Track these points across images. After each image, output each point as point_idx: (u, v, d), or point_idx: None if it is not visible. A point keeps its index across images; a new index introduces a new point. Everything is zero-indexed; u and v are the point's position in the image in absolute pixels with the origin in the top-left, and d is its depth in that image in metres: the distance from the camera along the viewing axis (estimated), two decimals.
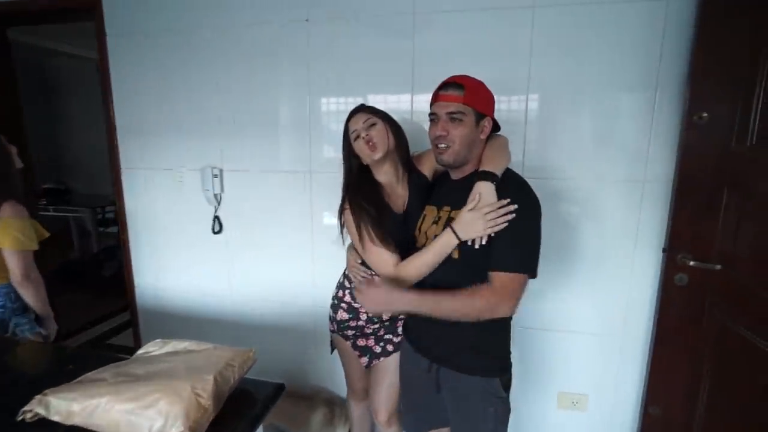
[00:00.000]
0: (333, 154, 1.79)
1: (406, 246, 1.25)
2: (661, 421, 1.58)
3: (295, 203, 1.88)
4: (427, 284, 1.17)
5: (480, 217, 1.07)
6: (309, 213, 1.86)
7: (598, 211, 1.58)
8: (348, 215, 1.30)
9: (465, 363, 1.17)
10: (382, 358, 1.49)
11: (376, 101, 1.67)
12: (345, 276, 1.53)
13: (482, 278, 1.08)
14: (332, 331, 1.56)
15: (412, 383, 1.35)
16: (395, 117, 1.34)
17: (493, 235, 1.06)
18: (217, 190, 1.91)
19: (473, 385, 1.17)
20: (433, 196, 1.27)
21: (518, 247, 1.07)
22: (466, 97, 1.08)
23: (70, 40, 4.37)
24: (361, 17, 1.66)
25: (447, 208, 1.17)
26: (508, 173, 1.15)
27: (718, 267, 1.42)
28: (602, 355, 1.67)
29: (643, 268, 1.58)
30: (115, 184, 2.10)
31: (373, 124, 1.29)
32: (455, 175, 1.20)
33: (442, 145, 1.11)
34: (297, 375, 1.99)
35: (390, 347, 1.49)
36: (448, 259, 1.12)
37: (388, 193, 1.34)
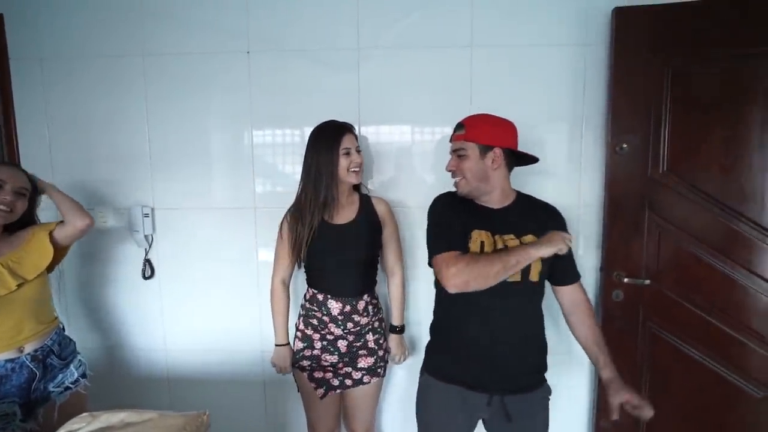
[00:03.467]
0: (278, 188, 1.72)
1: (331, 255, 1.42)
2: None
3: (238, 241, 1.75)
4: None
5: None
6: (254, 250, 1.75)
7: None
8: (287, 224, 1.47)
9: (530, 381, 1.25)
10: (349, 390, 1.50)
11: None
12: (301, 305, 1.54)
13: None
14: (292, 365, 1.52)
15: (450, 429, 1.27)
16: None
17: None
18: (148, 231, 1.73)
19: (534, 398, 1.25)
20: (482, 222, 1.21)
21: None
22: (467, 134, 1.21)
23: None
24: (305, 52, 1.65)
25: (511, 236, 1.18)
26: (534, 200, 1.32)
27: (647, 282, 1.56)
28: (554, 375, 1.72)
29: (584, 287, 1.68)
30: None
31: (359, 151, 1.46)
32: (494, 205, 1.24)
33: (456, 178, 1.25)
34: (250, 429, 1.80)
35: (348, 381, 1.48)
36: (524, 284, 1.18)
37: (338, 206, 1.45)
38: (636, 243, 1.56)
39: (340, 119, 1.63)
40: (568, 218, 1.66)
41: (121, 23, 1.69)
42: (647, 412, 1.13)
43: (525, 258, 1.09)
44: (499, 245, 1.17)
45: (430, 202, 1.31)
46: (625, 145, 1.53)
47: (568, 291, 1.26)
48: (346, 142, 1.41)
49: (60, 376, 1.31)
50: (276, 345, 1.51)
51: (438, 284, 1.26)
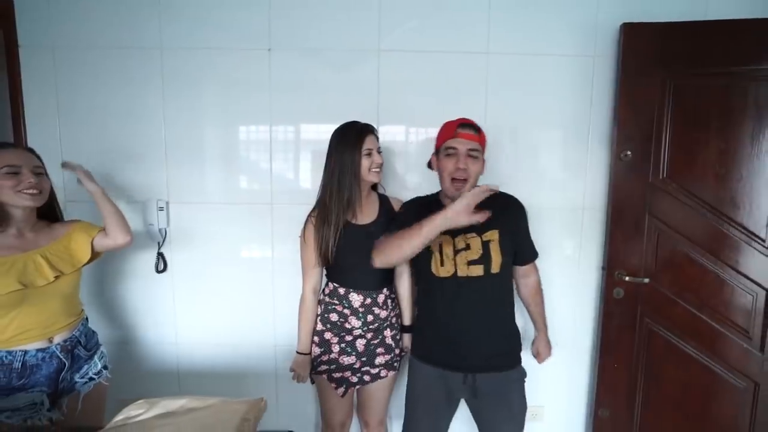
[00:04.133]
0: (294, 185, 1.75)
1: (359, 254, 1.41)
2: (609, 422, 1.76)
3: (254, 237, 1.77)
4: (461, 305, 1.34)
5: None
6: (269, 246, 1.77)
7: (545, 236, 1.74)
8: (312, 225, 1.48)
9: (501, 362, 1.36)
10: (367, 385, 1.54)
11: None
12: (320, 300, 1.55)
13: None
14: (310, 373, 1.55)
15: (430, 405, 1.42)
16: None
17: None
18: (163, 224, 1.72)
19: (506, 378, 1.36)
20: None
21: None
22: (480, 138, 1.33)
23: None
24: (326, 51, 1.68)
25: (473, 234, 1.31)
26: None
27: (647, 280, 1.67)
28: (555, 368, 1.83)
29: (586, 286, 1.79)
30: None
31: (380, 152, 1.49)
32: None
33: (458, 181, 1.30)
34: (262, 422, 1.81)
35: (367, 377, 1.53)
36: (486, 278, 1.32)
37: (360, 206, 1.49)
38: (636, 244, 1.67)
39: (359, 119, 1.67)
40: (572, 220, 1.77)
41: (138, 15, 1.67)
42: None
43: (433, 227, 1.17)
44: (461, 245, 1.32)
45: None
46: (628, 153, 1.64)
47: (519, 270, 1.48)
48: (368, 143, 1.44)
49: (85, 367, 1.32)
50: (298, 352, 1.52)
51: (415, 278, 1.53)
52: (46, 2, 1.67)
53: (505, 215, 1.34)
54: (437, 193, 1.46)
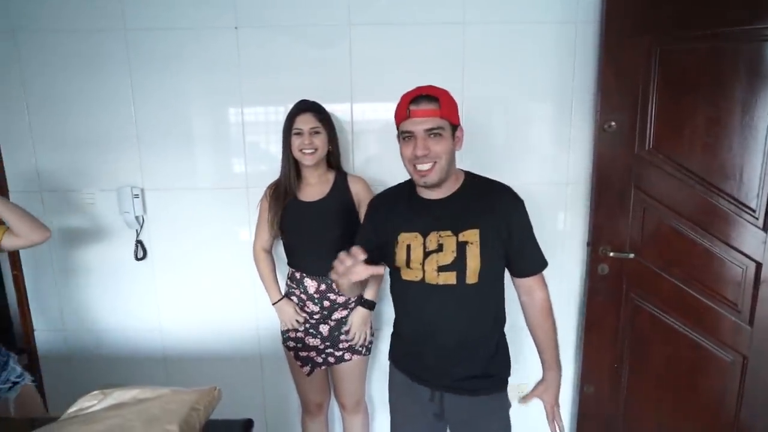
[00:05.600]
0: (267, 166, 1.70)
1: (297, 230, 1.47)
2: (594, 398, 1.75)
3: (230, 220, 1.75)
4: (429, 315, 1.11)
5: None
6: (246, 229, 1.74)
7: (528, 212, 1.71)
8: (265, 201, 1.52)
9: (476, 386, 1.12)
10: (334, 366, 1.55)
11: None
12: (287, 284, 1.57)
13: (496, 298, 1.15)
14: (281, 343, 1.58)
15: (407, 415, 1.23)
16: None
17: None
18: (139, 212, 1.70)
19: (482, 405, 1.13)
20: (412, 222, 1.11)
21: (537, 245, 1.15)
22: (443, 110, 1.01)
23: None
24: (295, 27, 1.61)
25: (448, 232, 1.06)
26: (474, 177, 1.14)
27: (632, 255, 1.63)
28: None
29: (571, 262, 1.75)
30: None
31: (317, 132, 1.42)
32: (437, 195, 1.10)
33: (425, 166, 1.02)
34: (248, 405, 1.84)
35: (331, 359, 1.54)
36: (459, 288, 1.06)
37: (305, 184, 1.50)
38: (621, 218, 1.62)
39: (331, 96, 1.62)
40: (556, 196, 1.72)
41: None
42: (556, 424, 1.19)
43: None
44: (432, 246, 1.06)
45: None
46: (613, 123, 1.57)
47: (519, 283, 1.16)
48: (299, 122, 1.42)
49: (3, 374, 1.29)
50: (273, 304, 1.53)
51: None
52: None
53: (491, 210, 1.07)
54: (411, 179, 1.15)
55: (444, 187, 1.09)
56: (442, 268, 1.06)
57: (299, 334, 1.52)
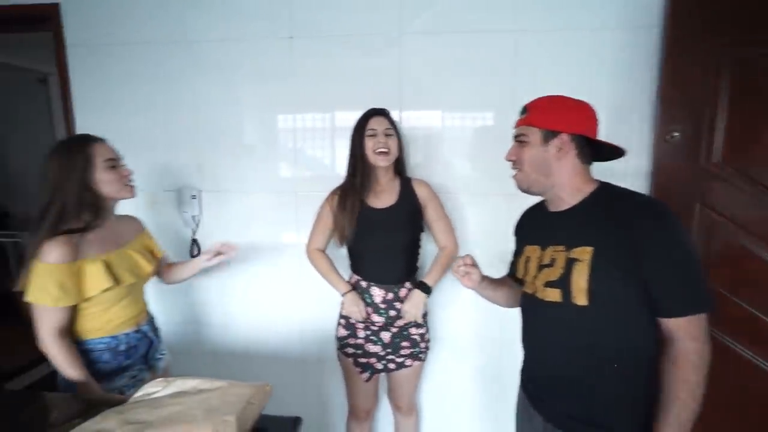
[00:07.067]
0: (319, 172, 1.75)
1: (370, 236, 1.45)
2: None
3: (279, 224, 1.81)
4: (536, 342, 1.07)
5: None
6: (294, 233, 1.79)
7: None
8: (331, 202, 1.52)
9: (573, 429, 0.97)
10: (392, 372, 1.55)
11: None
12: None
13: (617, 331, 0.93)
14: (337, 349, 1.58)
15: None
16: None
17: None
18: (195, 212, 1.80)
19: None
20: (536, 235, 1.10)
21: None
22: (529, 118, 1.01)
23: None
24: (348, 37, 1.66)
25: (561, 247, 0.98)
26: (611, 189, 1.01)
27: None
28: None
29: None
30: None
31: (389, 135, 1.44)
32: (558, 207, 1.04)
33: (514, 171, 1.06)
34: (289, 404, 1.87)
35: (392, 365, 1.54)
36: (566, 307, 0.95)
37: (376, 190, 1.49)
38: None
39: (380, 103, 1.64)
40: None
41: (167, 11, 1.74)
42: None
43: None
44: (546, 260, 1.01)
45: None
46: (676, 134, 1.49)
47: (662, 324, 0.92)
48: (373, 123, 1.44)
49: (160, 346, 1.42)
50: (342, 295, 1.51)
51: None
52: (87, 4, 1.78)
53: (615, 227, 0.91)
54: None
55: (564, 199, 1.02)
56: (549, 284, 0.99)
57: (359, 341, 1.52)
